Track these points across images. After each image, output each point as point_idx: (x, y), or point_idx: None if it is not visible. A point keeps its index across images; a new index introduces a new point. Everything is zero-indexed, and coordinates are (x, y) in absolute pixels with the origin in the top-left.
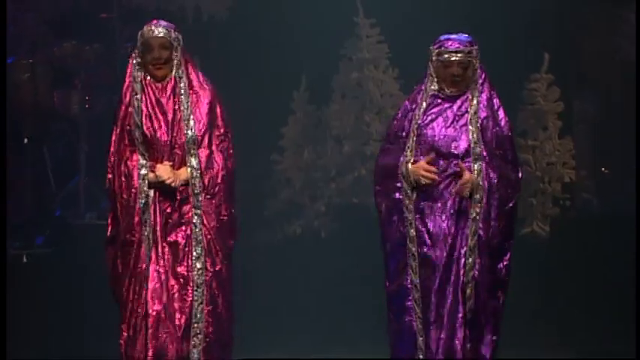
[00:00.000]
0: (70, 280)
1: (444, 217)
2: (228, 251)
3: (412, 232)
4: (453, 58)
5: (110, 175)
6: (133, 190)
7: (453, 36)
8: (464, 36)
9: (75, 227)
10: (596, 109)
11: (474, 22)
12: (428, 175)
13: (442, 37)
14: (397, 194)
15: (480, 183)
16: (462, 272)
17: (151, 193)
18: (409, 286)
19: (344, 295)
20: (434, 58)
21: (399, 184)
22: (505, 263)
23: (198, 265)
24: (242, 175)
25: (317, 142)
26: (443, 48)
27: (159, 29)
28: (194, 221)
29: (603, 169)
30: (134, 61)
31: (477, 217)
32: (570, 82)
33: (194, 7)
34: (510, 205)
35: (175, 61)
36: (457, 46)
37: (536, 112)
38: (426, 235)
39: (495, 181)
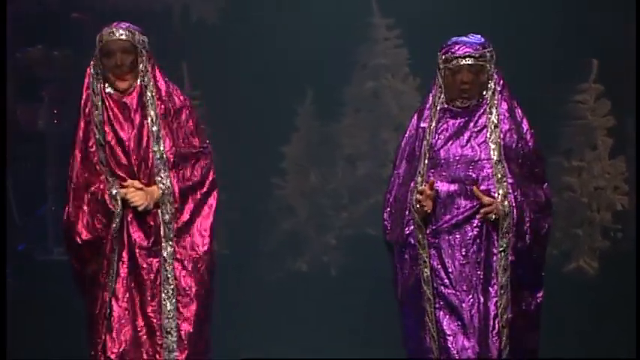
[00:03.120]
0: (33, 324)
1: (464, 252)
2: (205, 291)
3: (427, 271)
4: (462, 63)
5: (70, 209)
6: (105, 216)
7: (463, 38)
8: (476, 37)
9: (41, 263)
10: None
11: (510, 24)
12: (419, 203)
13: (450, 41)
14: (407, 228)
15: (507, 210)
16: (492, 316)
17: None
18: (428, 340)
19: (359, 345)
20: (441, 65)
21: (409, 216)
22: (538, 300)
23: (169, 307)
24: (236, 202)
25: (325, 163)
26: (450, 53)
27: (120, 31)
28: (164, 254)
29: None
30: (91, 70)
31: (507, 250)
32: (623, 93)
33: (181, 6)
34: (544, 231)
35: (141, 68)
36: (466, 50)
37: (583, 127)
38: (444, 274)
39: (524, 205)
